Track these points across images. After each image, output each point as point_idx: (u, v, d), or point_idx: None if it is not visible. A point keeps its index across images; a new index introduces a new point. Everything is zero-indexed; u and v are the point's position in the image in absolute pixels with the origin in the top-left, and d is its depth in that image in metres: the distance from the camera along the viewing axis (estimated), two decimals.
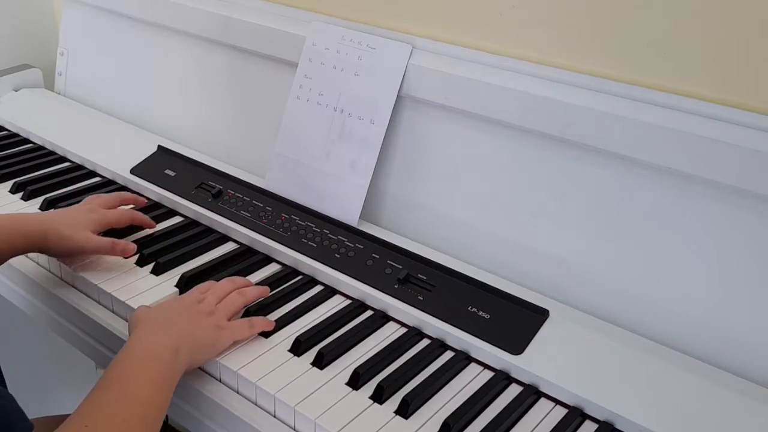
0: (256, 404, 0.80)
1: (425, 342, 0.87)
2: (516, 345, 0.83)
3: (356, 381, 0.80)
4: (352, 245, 0.98)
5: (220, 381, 0.82)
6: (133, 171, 1.18)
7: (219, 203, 1.08)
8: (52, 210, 0.99)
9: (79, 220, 0.95)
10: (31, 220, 0.94)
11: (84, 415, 0.68)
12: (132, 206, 1.09)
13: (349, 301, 0.94)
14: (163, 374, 0.74)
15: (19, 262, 1.01)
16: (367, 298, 0.92)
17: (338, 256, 0.97)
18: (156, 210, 1.11)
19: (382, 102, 1.00)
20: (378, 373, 0.81)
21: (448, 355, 0.85)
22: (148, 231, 1.05)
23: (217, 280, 0.91)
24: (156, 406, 0.72)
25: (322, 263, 0.96)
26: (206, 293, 0.86)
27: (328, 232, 1.01)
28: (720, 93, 0.83)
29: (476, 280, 0.90)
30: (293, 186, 1.08)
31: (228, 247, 1.04)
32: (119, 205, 1.05)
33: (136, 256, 0.99)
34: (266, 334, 0.86)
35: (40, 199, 1.13)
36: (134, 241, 1.00)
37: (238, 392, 0.81)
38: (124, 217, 1.01)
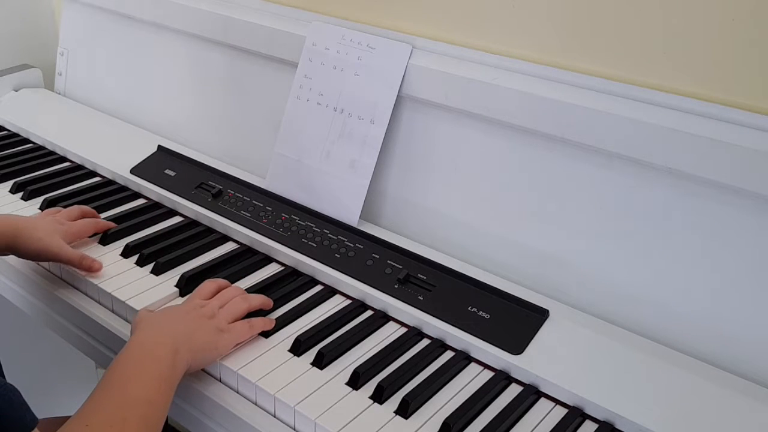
0: (256, 404, 0.80)
1: (425, 342, 0.87)
2: (516, 345, 0.83)
3: (356, 381, 0.80)
4: (352, 245, 0.98)
5: (220, 381, 0.82)
6: (133, 171, 1.18)
7: (219, 203, 1.08)
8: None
9: (50, 226, 0.97)
10: (1, 219, 0.95)
11: (84, 416, 0.69)
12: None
13: (349, 301, 0.94)
14: (163, 374, 0.74)
15: (19, 261, 1.00)
16: (367, 298, 0.92)
17: (338, 256, 0.97)
18: (156, 210, 1.11)
19: (382, 102, 1.00)
20: (378, 373, 0.81)
21: (448, 355, 0.85)
22: (152, 228, 1.06)
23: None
24: (156, 406, 0.72)
25: (323, 263, 0.96)
26: (210, 299, 0.87)
27: (328, 232, 1.01)
28: (720, 93, 0.83)
29: (476, 280, 0.90)
30: (293, 186, 1.08)
31: (228, 247, 1.04)
32: (81, 217, 1.05)
33: (136, 256, 0.99)
34: (266, 334, 0.86)
35: (40, 199, 1.14)
36: (136, 239, 1.01)
37: (238, 392, 0.81)
38: (88, 228, 1.03)
